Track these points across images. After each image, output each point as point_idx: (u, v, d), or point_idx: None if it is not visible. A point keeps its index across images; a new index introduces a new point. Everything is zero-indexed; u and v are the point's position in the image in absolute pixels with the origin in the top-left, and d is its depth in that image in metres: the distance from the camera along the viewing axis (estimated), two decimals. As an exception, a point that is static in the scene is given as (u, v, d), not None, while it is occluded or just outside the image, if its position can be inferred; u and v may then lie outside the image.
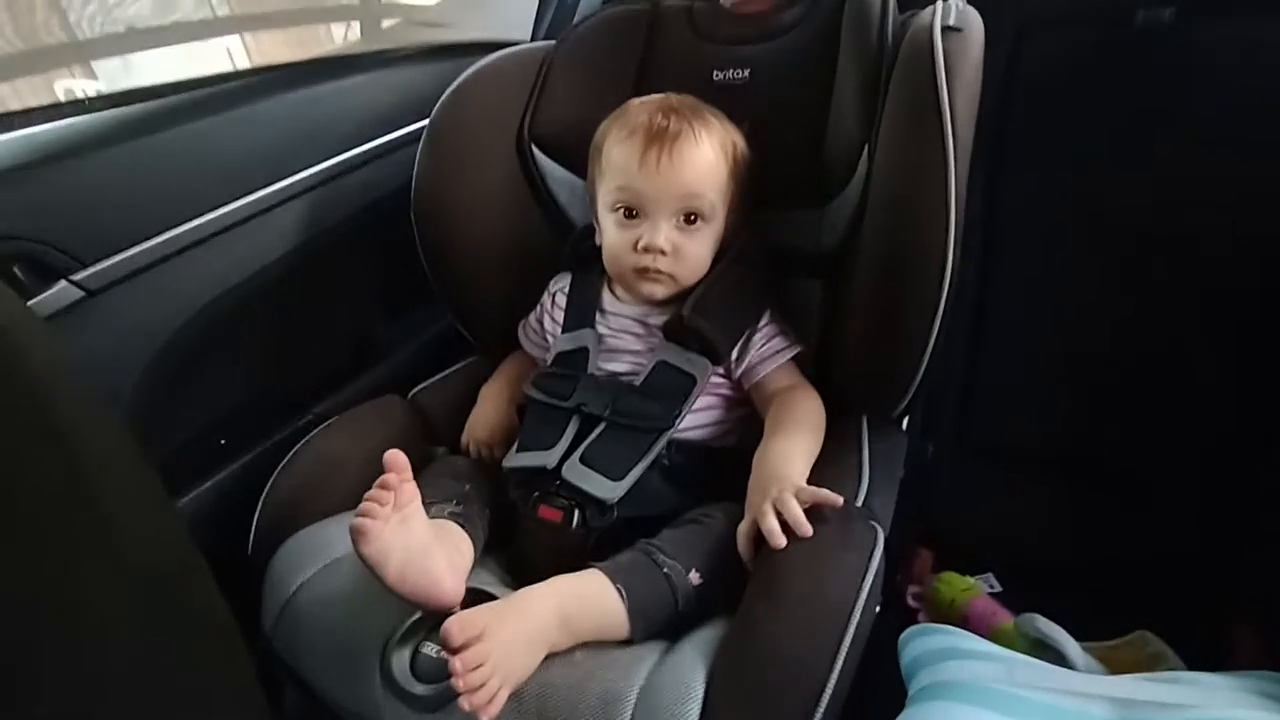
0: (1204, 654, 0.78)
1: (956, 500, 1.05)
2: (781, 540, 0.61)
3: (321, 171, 0.92)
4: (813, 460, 0.72)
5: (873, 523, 0.65)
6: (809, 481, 0.68)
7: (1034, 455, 1.01)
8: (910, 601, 1.02)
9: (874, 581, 0.60)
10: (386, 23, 1.36)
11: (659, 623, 0.64)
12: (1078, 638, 0.83)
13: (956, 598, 0.95)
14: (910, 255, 0.65)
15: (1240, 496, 0.89)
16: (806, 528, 0.62)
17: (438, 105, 0.90)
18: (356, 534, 0.61)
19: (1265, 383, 0.88)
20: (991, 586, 0.99)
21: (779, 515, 0.63)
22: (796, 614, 0.57)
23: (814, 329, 0.83)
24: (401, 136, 1.01)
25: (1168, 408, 0.92)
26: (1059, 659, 0.77)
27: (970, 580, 0.98)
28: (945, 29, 0.67)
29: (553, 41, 0.97)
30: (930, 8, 0.73)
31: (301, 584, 0.69)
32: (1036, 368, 1.00)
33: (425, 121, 0.90)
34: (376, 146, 0.98)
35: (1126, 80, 0.93)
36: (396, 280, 1.00)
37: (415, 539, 0.63)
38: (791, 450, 0.71)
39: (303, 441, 0.81)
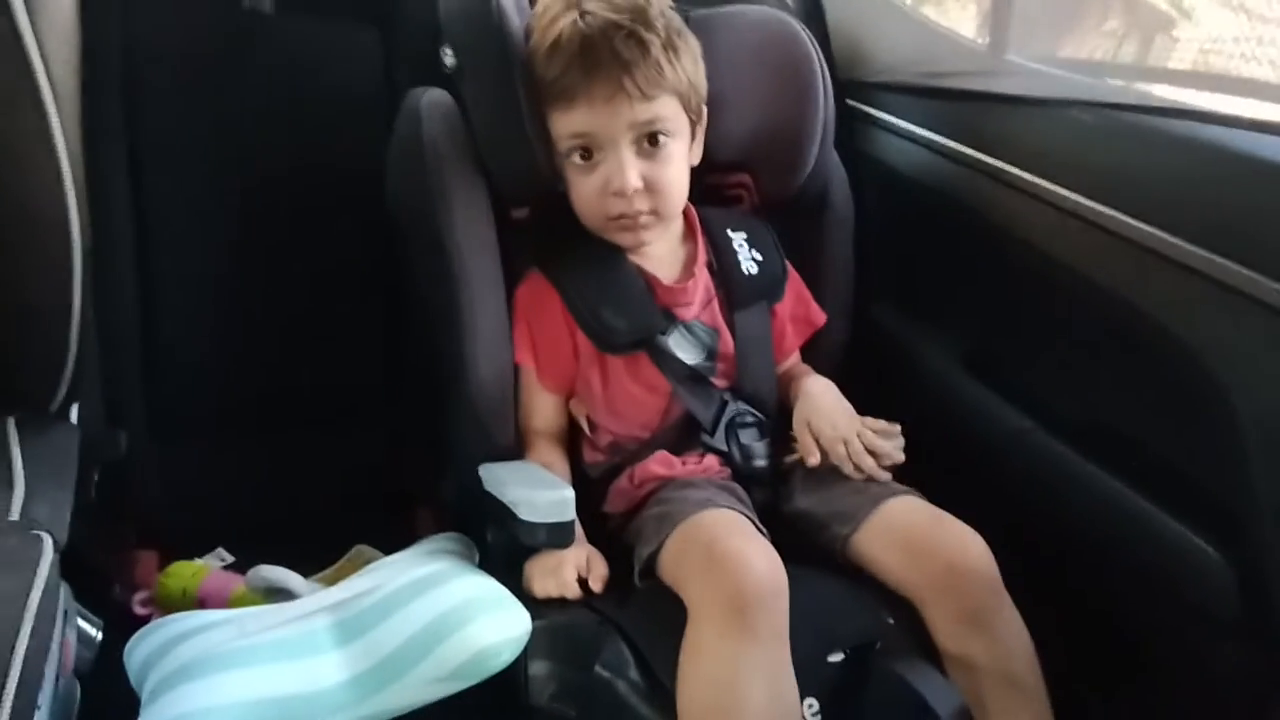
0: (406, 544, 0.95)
1: (167, 487, 1.00)
2: None
3: None
4: None
5: (35, 533, 0.56)
6: None
7: (227, 421, 1.04)
8: (140, 610, 0.93)
9: (44, 601, 0.52)
10: None
11: None
12: (310, 573, 0.91)
13: (187, 585, 0.91)
14: (19, 212, 0.56)
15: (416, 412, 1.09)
16: None
17: None
18: None
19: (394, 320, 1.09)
20: (223, 560, 0.98)
21: None
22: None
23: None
24: None
25: (326, 352, 1.05)
26: (291, 596, 0.82)
27: (198, 562, 0.95)
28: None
29: None
30: None
31: None
32: (208, 336, 1.01)
33: None
34: None
35: (238, 59, 1.00)
36: None
37: None
38: None
39: None
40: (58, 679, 0.63)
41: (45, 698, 0.52)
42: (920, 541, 0.74)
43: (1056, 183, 0.84)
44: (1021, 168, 0.89)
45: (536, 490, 0.74)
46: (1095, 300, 0.80)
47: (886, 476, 0.80)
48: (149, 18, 0.97)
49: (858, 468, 0.80)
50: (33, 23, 0.56)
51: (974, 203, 0.95)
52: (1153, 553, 0.75)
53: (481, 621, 0.68)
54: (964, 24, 1.29)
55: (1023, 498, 0.88)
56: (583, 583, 0.74)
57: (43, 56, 0.56)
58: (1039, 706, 0.71)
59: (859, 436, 0.81)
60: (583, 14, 0.78)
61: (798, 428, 0.85)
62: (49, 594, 0.52)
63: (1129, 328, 0.78)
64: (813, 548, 0.79)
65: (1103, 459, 0.80)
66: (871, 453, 0.81)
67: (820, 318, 0.96)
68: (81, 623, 0.75)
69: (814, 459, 0.82)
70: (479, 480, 0.79)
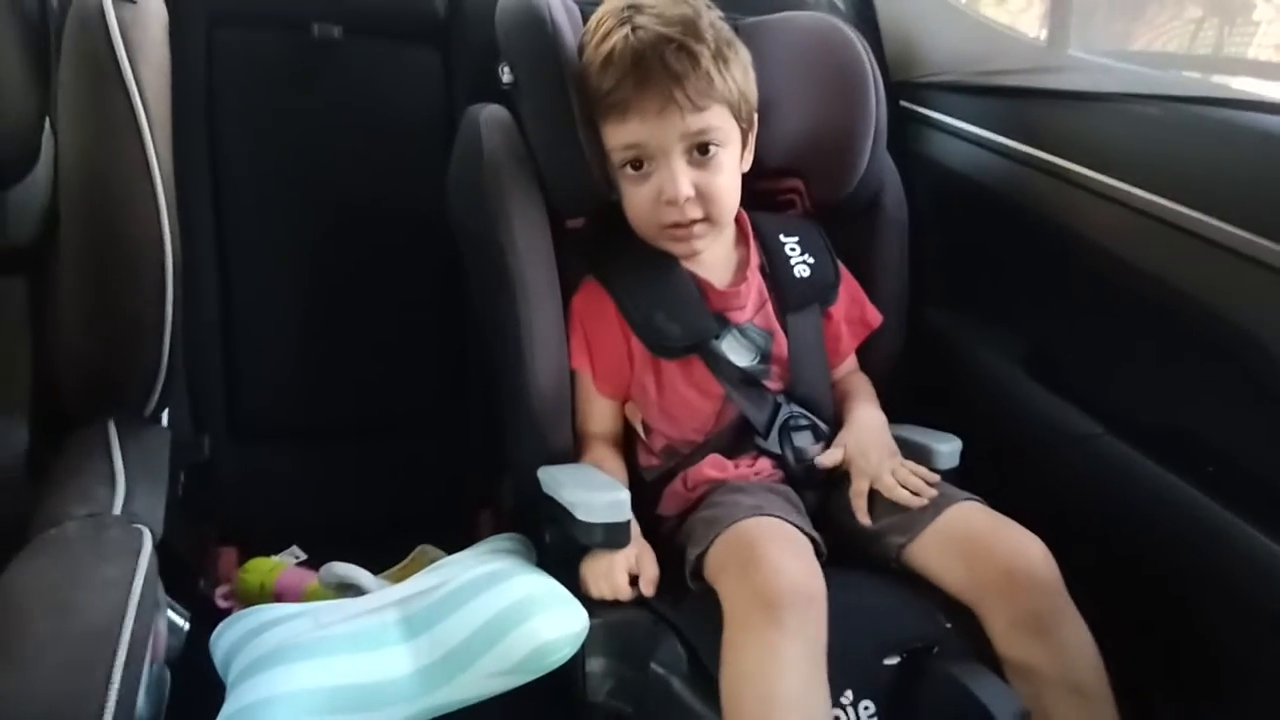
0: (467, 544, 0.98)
1: (247, 488, 1.05)
2: None
3: None
4: None
5: (136, 526, 0.60)
6: None
7: (302, 428, 1.09)
8: (221, 604, 0.99)
9: (145, 587, 0.56)
10: None
11: None
12: (377, 571, 0.95)
13: (265, 580, 0.96)
14: (122, 235, 0.61)
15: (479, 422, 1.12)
16: None
17: None
18: None
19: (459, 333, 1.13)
20: (296, 557, 1.03)
21: None
22: (51, 652, 0.50)
23: (23, 336, 0.71)
24: None
25: (394, 362, 1.10)
26: (360, 592, 0.86)
27: (275, 559, 1.00)
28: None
29: None
30: None
31: None
32: (283, 349, 1.07)
33: None
34: None
35: (310, 83, 1.05)
36: None
37: None
38: None
39: None
40: (151, 665, 0.68)
41: (143, 682, 0.55)
42: (978, 546, 0.74)
43: (1123, 179, 0.82)
44: (1085, 165, 0.87)
45: (593, 492, 0.75)
46: (1166, 300, 0.78)
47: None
48: (230, 48, 1.04)
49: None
50: (130, 59, 0.62)
51: (1035, 202, 0.94)
52: (1229, 559, 0.73)
53: (541, 617, 0.70)
54: (1025, 19, 1.26)
55: (1089, 504, 0.85)
56: (636, 582, 0.76)
57: (140, 91, 0.61)
58: (1105, 715, 0.69)
59: (893, 474, 0.80)
60: (634, 28, 0.80)
61: (835, 443, 0.86)
62: (149, 582, 0.56)
63: (1202, 329, 0.75)
64: (868, 552, 0.79)
65: (1175, 464, 0.78)
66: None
67: (876, 318, 0.95)
68: (171, 613, 0.80)
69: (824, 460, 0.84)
70: (538, 483, 0.81)
